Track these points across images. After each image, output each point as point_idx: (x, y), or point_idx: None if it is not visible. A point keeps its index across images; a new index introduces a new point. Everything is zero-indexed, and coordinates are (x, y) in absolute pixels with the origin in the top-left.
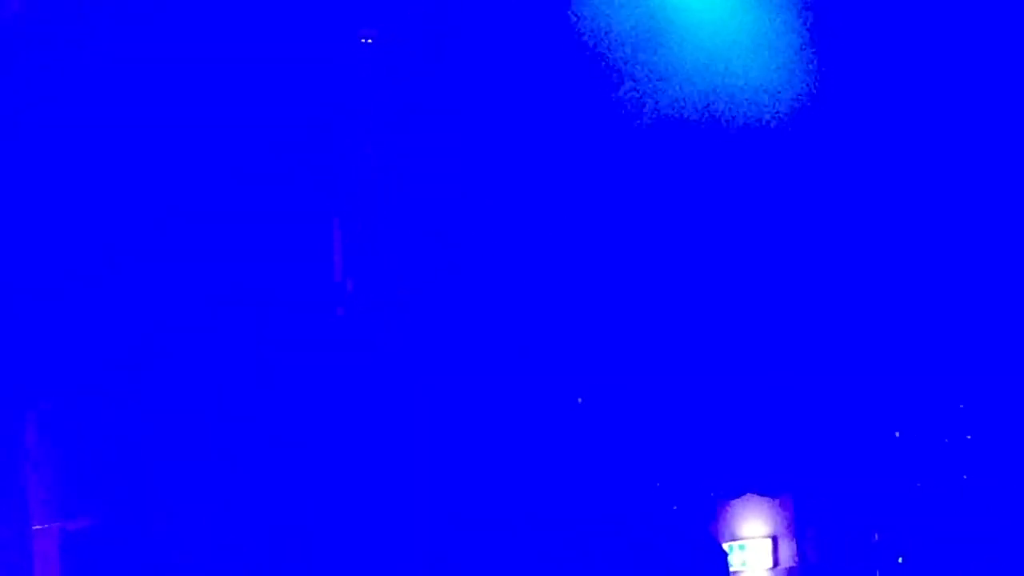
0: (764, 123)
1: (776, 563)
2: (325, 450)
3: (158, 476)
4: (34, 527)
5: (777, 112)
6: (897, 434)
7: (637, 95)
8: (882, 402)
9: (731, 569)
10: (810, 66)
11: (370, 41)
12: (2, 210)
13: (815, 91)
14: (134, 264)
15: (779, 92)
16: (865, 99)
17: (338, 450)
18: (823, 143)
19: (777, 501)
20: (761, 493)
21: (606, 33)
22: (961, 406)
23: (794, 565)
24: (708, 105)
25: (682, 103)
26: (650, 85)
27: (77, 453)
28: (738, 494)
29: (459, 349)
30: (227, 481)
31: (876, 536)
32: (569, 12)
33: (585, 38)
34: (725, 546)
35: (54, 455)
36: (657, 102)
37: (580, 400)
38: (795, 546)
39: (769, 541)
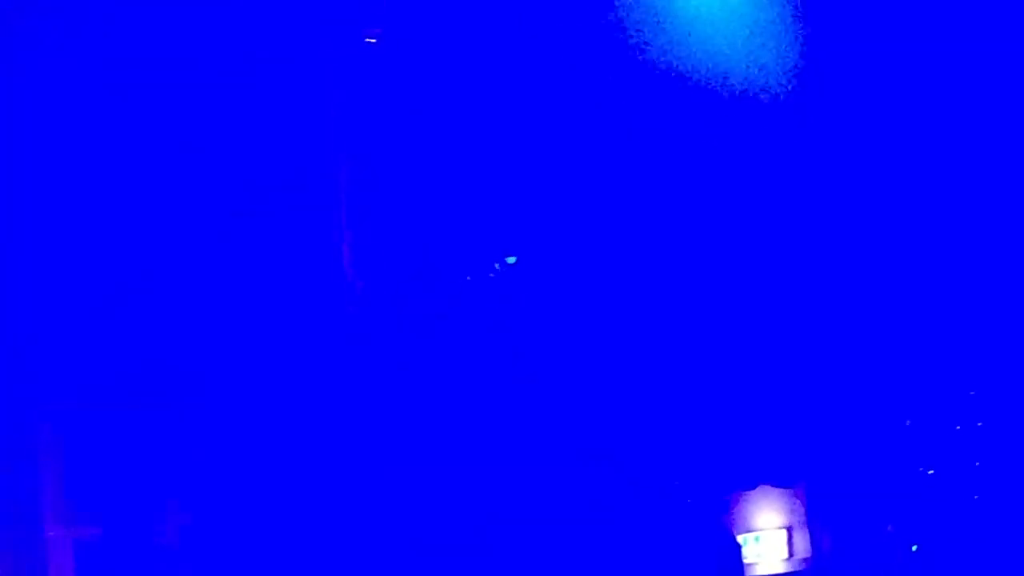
0: (760, 114)
1: (791, 554)
2: (335, 451)
3: (169, 484)
4: (47, 535)
5: (772, 103)
6: (908, 423)
7: (638, 88)
8: (892, 391)
9: (746, 561)
10: (806, 59)
11: (374, 41)
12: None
13: (810, 83)
14: (142, 271)
15: (775, 84)
16: (859, 93)
17: (348, 450)
18: (821, 137)
19: (791, 492)
20: (775, 485)
21: (604, 28)
22: (972, 393)
23: (809, 555)
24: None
25: (679, 93)
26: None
27: (89, 463)
28: (752, 486)
29: (470, 347)
30: (237, 487)
31: (889, 527)
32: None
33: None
34: (740, 538)
35: (66, 465)
36: (655, 94)
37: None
38: (810, 536)
39: (784, 532)
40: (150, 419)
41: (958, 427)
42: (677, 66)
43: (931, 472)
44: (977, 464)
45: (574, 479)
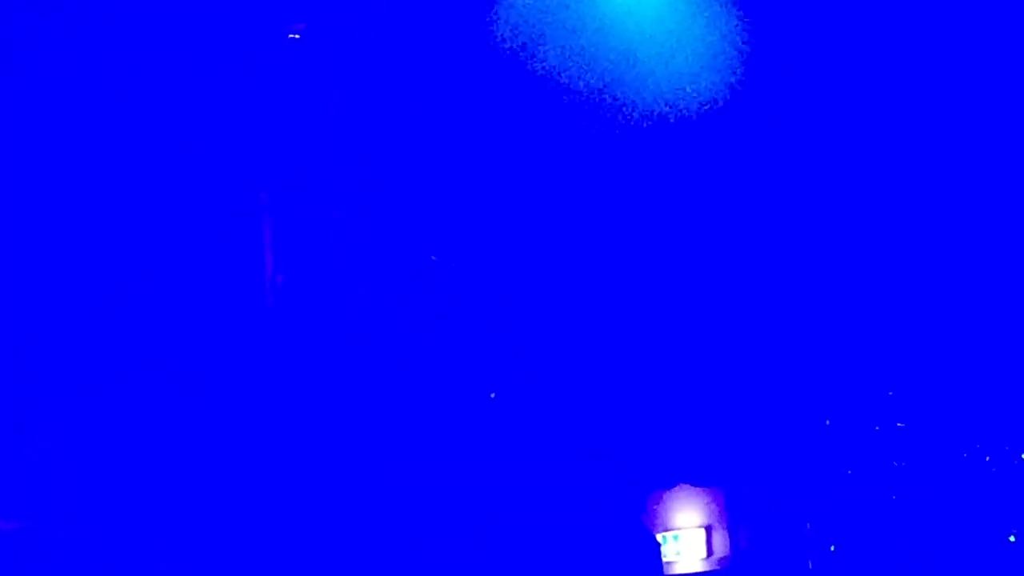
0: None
1: (710, 553)
2: (254, 446)
3: (89, 479)
4: None
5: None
6: (827, 422)
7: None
8: (811, 391)
9: (664, 559)
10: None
11: (297, 37)
12: None
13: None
14: (55, 266)
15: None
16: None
17: (266, 447)
18: (743, 137)
19: (710, 491)
20: (694, 484)
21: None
22: (891, 393)
23: (727, 555)
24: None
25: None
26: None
27: (10, 456)
28: (671, 485)
29: (384, 344)
30: (156, 483)
31: (808, 525)
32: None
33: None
34: (659, 536)
35: None
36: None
37: (493, 395)
38: (728, 536)
39: (702, 531)
40: (71, 413)
41: (877, 427)
42: (601, 71)
43: (850, 472)
44: (896, 464)
45: (492, 477)
